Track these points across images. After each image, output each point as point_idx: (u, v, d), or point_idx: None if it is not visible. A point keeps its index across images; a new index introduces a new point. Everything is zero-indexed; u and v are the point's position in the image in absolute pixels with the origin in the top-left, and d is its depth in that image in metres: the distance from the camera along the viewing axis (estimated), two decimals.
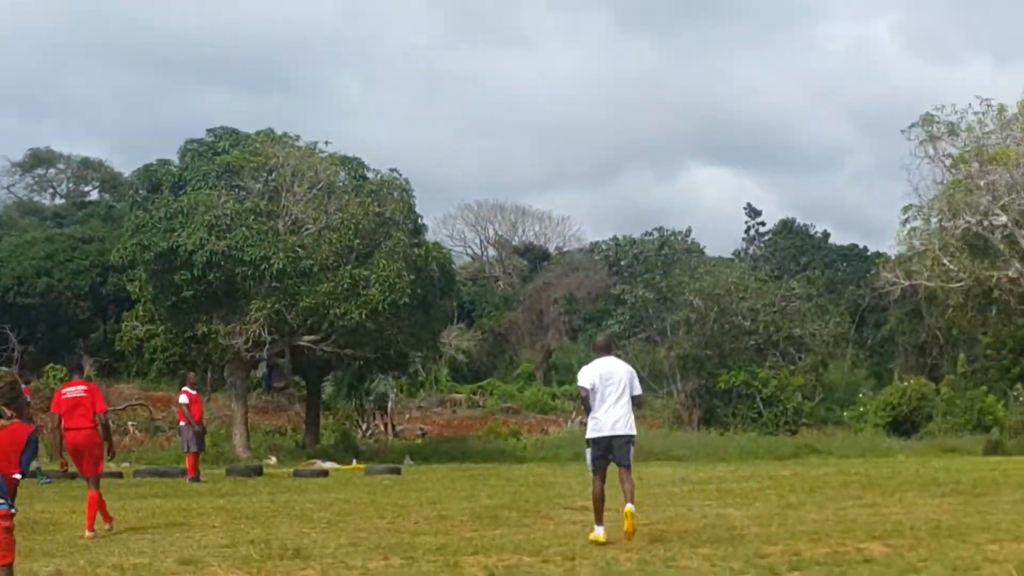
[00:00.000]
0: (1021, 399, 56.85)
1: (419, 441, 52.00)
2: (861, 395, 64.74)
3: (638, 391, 15.94)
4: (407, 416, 60.76)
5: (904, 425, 54.83)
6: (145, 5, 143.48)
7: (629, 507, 15.19)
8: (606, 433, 15.60)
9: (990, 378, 62.95)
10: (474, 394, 69.26)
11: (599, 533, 15.30)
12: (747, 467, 32.61)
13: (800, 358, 60.92)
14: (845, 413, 61.99)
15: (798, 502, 19.68)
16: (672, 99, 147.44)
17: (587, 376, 15.80)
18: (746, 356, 59.47)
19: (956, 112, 46.37)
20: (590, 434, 15.82)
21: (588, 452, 16.00)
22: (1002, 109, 45.97)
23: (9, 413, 10.47)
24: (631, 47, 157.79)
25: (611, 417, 15.59)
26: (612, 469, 15.62)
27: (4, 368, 38.98)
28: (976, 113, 46.30)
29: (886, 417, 55.75)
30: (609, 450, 15.69)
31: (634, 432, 15.80)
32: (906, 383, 59.88)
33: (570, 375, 73.61)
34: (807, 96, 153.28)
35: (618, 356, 17.04)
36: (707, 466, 34.26)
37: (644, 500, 20.82)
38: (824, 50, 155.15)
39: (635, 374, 16.21)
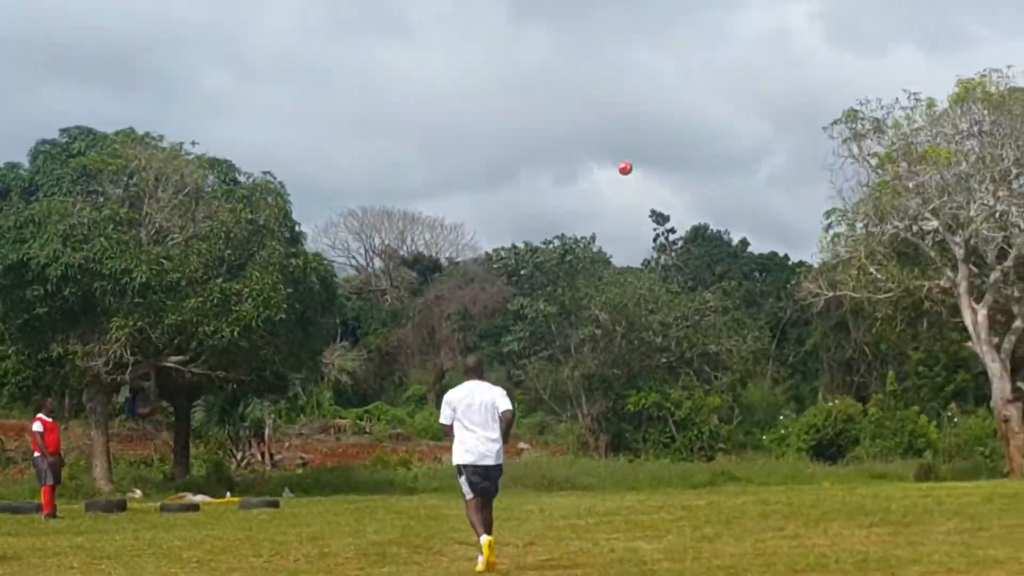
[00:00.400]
0: (955, 420, 57.61)
1: (299, 471, 51.96)
2: (782, 417, 65.41)
3: (506, 407, 16.16)
4: (286, 444, 60.60)
5: (829, 449, 55.47)
6: None
7: (489, 538, 15.55)
8: (474, 462, 15.94)
9: (922, 397, 63.79)
10: (360, 419, 69.23)
11: (483, 541, 15.58)
12: (659, 496, 32.77)
13: (716, 377, 61.37)
14: (765, 437, 62.61)
15: (714, 534, 19.80)
16: (571, 94, 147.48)
17: (446, 405, 16.28)
18: (657, 375, 59.84)
19: (882, 107, 46.74)
20: (461, 459, 16.01)
21: (463, 479, 16.06)
22: (931, 104, 46.47)
23: None
24: (526, 38, 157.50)
25: (477, 445, 15.97)
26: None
27: None
28: (904, 108, 46.72)
29: (810, 441, 56.38)
30: (483, 476, 15.97)
31: (502, 462, 16.23)
32: (831, 403, 60.59)
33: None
34: (719, 90, 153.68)
35: (482, 375, 17.13)
36: (615, 496, 34.39)
37: (546, 533, 20.99)
38: (737, 40, 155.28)
39: (504, 392, 16.55)
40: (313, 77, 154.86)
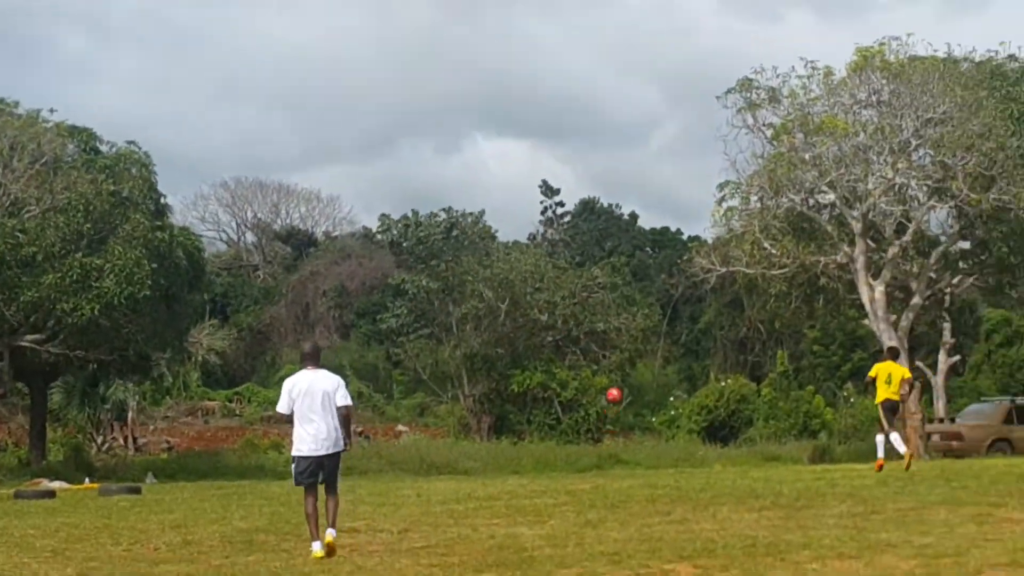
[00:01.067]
0: (851, 400, 58.19)
1: (164, 456, 51.63)
2: (673, 398, 65.82)
3: (344, 402, 16.79)
4: (151, 427, 60.27)
5: (721, 431, 55.87)
6: None
7: (330, 534, 16.23)
8: (311, 453, 16.56)
9: (817, 377, 64.50)
10: (230, 401, 69.06)
11: (316, 549, 16.13)
12: (543, 480, 32.83)
13: (604, 356, 61.56)
14: (655, 418, 63.01)
15: (598, 519, 19.85)
16: (453, 62, 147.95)
17: (285, 395, 16.76)
18: (543, 355, 59.93)
19: (778, 76, 46.94)
20: (299, 450, 16.68)
21: (293, 467, 16.92)
22: (829, 72, 46.72)
23: None
24: (404, 3, 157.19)
25: (318, 434, 16.56)
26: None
27: None
28: (800, 77, 46.96)
29: (701, 422, 56.75)
30: (320, 468, 16.59)
31: (341, 448, 16.82)
32: (724, 383, 60.95)
33: (342, 378, 73.41)
34: (606, 59, 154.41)
35: (321, 364, 17.71)
36: (497, 480, 34.43)
37: (423, 519, 20.98)
38: (625, 5, 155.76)
39: (342, 383, 17.15)
40: (179, 41, 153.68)
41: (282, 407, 16.85)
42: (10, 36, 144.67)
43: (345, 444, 16.89)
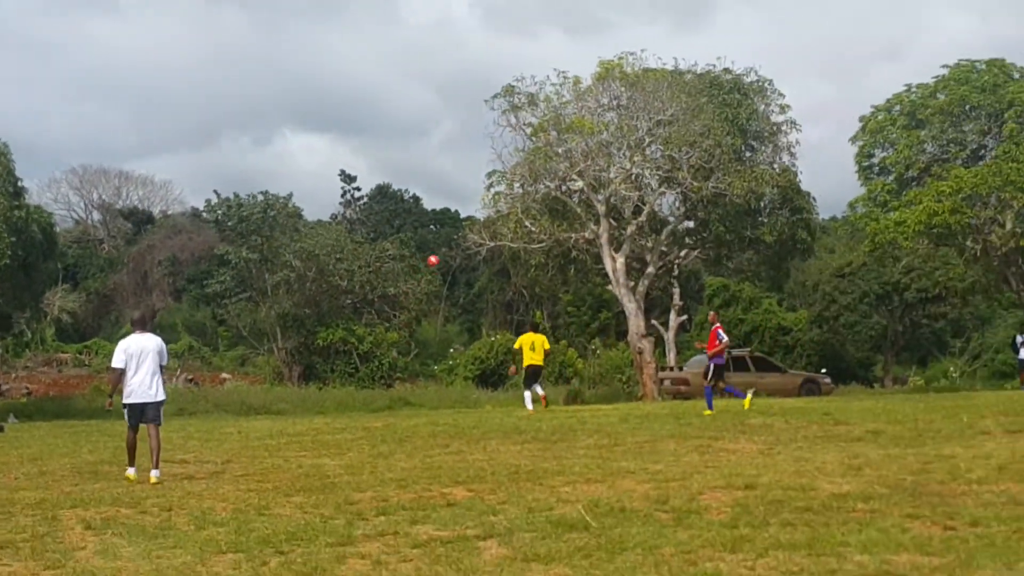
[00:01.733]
0: (598, 352, 58.77)
1: (23, 400, 50.45)
2: (452, 350, 65.93)
3: (165, 361, 18.00)
4: (13, 376, 59.04)
5: (492, 378, 56.00)
6: None
7: (154, 475, 17.02)
8: (138, 400, 17.44)
9: (571, 333, 64.99)
10: (80, 354, 68.12)
11: (130, 473, 17.29)
12: (343, 419, 32.61)
13: (395, 316, 61.46)
14: (437, 367, 63.00)
15: (388, 451, 19.80)
16: (264, 67, 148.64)
17: (121, 351, 17.65)
18: (344, 314, 59.74)
19: (536, 83, 47.10)
20: (125, 400, 17.55)
21: (125, 412, 17.65)
22: (577, 81, 47.06)
23: None
24: (221, 17, 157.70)
25: (142, 385, 17.46)
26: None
27: None
28: (554, 85, 47.20)
29: (475, 370, 56.84)
30: (143, 412, 17.45)
31: (162, 398, 17.77)
32: (494, 338, 61.10)
33: (174, 334, 72.85)
34: (393, 66, 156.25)
35: (152, 330, 19.05)
36: (305, 419, 34.16)
37: (242, 452, 20.76)
38: (406, 23, 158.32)
39: (164, 346, 18.15)
40: (30, 48, 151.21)
41: (117, 363, 17.63)
42: None
43: (162, 395, 17.72)
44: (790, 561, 9.06)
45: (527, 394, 32.05)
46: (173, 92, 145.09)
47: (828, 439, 18.59)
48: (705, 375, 29.21)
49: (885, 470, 13.98)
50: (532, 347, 32.13)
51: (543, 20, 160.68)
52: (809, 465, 14.89)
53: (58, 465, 19.78)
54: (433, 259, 32.51)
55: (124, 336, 19.39)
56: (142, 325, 18.43)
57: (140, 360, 17.52)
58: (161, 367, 17.85)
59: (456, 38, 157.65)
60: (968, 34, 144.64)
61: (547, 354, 34.21)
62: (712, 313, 33.93)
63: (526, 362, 31.89)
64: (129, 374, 17.48)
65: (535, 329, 34.07)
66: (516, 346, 33.46)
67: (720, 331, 29.15)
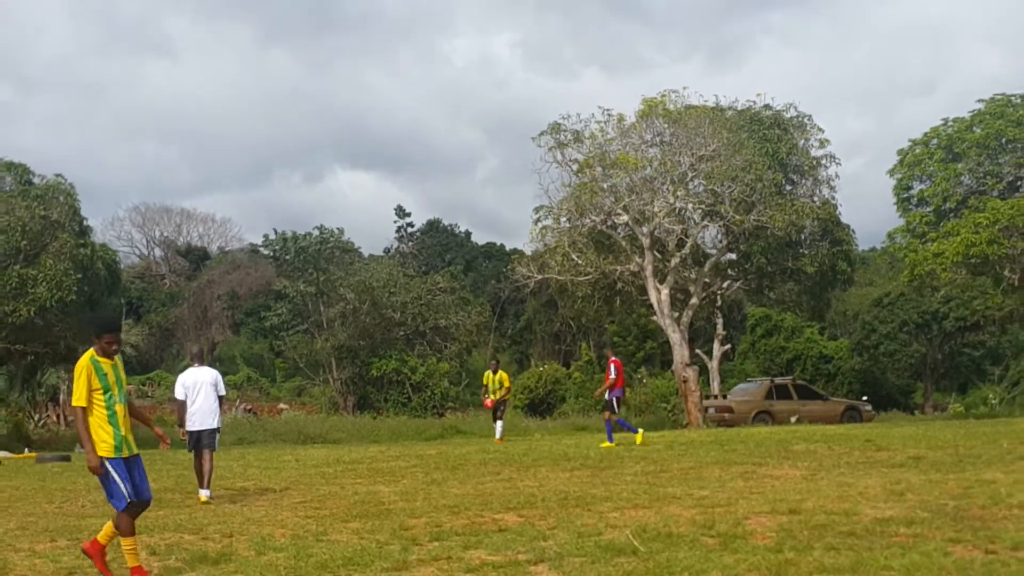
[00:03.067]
0: (644, 381, 58.58)
1: None
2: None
3: (222, 392, 19.15)
4: None
5: (541, 406, 55.99)
6: None
7: (204, 494, 18.28)
8: (195, 428, 18.77)
9: None
10: (143, 384, 68.43)
11: (203, 495, 18.24)
12: (397, 448, 32.69)
13: (446, 346, 61.56)
14: (487, 396, 62.98)
15: (441, 478, 19.82)
16: (312, 108, 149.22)
17: (180, 385, 19.13)
18: (397, 346, 59.81)
19: (581, 121, 47.21)
20: (190, 426, 18.83)
21: (188, 440, 18.99)
22: (621, 118, 47.07)
23: None
24: (269, 58, 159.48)
25: (199, 413, 18.77)
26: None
27: None
28: (599, 122, 47.24)
29: (524, 399, 56.76)
30: (199, 439, 18.73)
31: (216, 425, 19.04)
32: (542, 368, 61.11)
33: (233, 366, 73.26)
34: (438, 105, 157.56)
35: (203, 361, 19.89)
36: (360, 447, 34.23)
37: (299, 480, 20.79)
38: (450, 64, 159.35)
39: (219, 377, 19.38)
40: (88, 90, 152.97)
41: (178, 395, 19.06)
42: None
43: (216, 423, 18.97)
44: None
45: (497, 424, 34.86)
46: (226, 132, 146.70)
47: (870, 465, 18.49)
48: (606, 408, 29.79)
49: (927, 495, 13.89)
50: (499, 384, 34.63)
51: (581, 59, 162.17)
52: (852, 490, 14.81)
53: None
54: (488, 403, 34.62)
55: (185, 368, 20.05)
56: (200, 359, 19.58)
57: (196, 391, 18.81)
58: (219, 397, 19.01)
59: (498, 78, 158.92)
60: (1000, 68, 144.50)
61: (507, 391, 35.99)
62: (608, 350, 35.00)
63: (492, 397, 34.57)
64: (188, 404, 18.75)
65: (497, 366, 36.07)
66: (484, 381, 35.36)
67: (612, 366, 29.63)
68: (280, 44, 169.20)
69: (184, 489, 20.12)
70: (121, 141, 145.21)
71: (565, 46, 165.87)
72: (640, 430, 29.05)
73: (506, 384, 34.98)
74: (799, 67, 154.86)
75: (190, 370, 19.23)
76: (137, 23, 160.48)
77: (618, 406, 29.84)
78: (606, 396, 29.65)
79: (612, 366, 29.56)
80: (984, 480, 15.16)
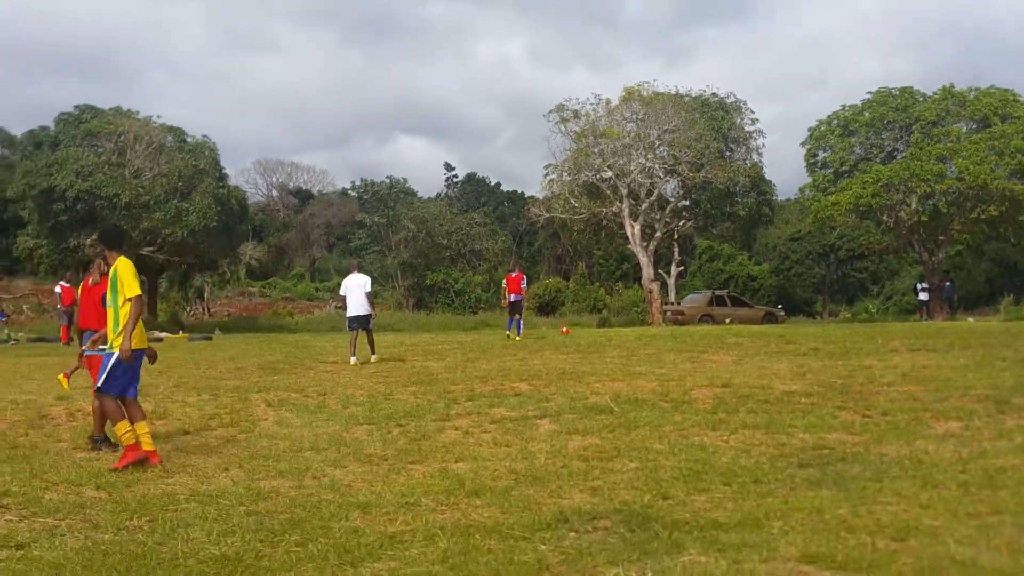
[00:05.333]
0: (620, 292, 58.59)
1: (226, 319, 51.18)
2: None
3: (369, 289, 19.89)
4: (217, 302, 59.86)
5: (547, 308, 55.94)
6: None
7: (373, 357, 19.76)
8: (354, 314, 19.72)
9: (602, 278, 64.77)
10: (263, 288, 68.52)
11: (353, 360, 19.27)
12: (443, 336, 32.77)
13: (479, 264, 61.53)
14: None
15: (475, 357, 19.88)
16: (378, 91, 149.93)
17: (343, 286, 20.16)
18: (444, 263, 59.82)
19: (579, 103, 47.38)
20: (349, 314, 19.89)
21: (347, 322, 20.13)
22: (608, 102, 47.09)
23: None
24: (348, 53, 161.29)
25: (355, 305, 19.64)
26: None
27: None
28: (592, 104, 47.31)
29: (535, 303, 56.81)
30: (357, 322, 19.67)
31: (370, 312, 19.90)
32: (548, 281, 61.08)
33: (329, 275, 73.32)
34: (469, 90, 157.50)
35: (361, 270, 21.09)
36: (416, 335, 34.33)
37: (377, 360, 20.82)
38: (477, 60, 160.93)
39: (369, 280, 20.16)
40: (219, 77, 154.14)
41: (342, 291, 20.20)
42: (118, 74, 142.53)
43: (371, 311, 19.98)
44: (753, 437, 9.05)
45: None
46: (318, 108, 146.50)
47: (781, 353, 18.50)
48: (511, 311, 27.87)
49: (822, 375, 13.91)
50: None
51: (571, 58, 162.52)
52: (768, 371, 14.84)
53: (249, 363, 19.99)
54: (566, 329, 32.12)
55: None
56: (357, 268, 20.74)
57: (351, 289, 19.73)
58: (367, 294, 19.73)
59: (511, 71, 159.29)
60: (876, 70, 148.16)
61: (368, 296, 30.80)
62: (518, 267, 31.17)
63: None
64: (348, 299, 19.71)
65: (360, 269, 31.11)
66: (503, 285, 29.65)
67: (510, 279, 27.95)
68: (355, 44, 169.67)
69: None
70: (242, 115, 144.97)
71: (559, 48, 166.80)
72: (512, 332, 27.48)
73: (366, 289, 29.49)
74: (730, 66, 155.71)
75: (350, 275, 20.14)
76: (252, 27, 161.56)
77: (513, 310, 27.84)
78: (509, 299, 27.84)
79: (510, 279, 27.84)
80: (864, 366, 15.17)
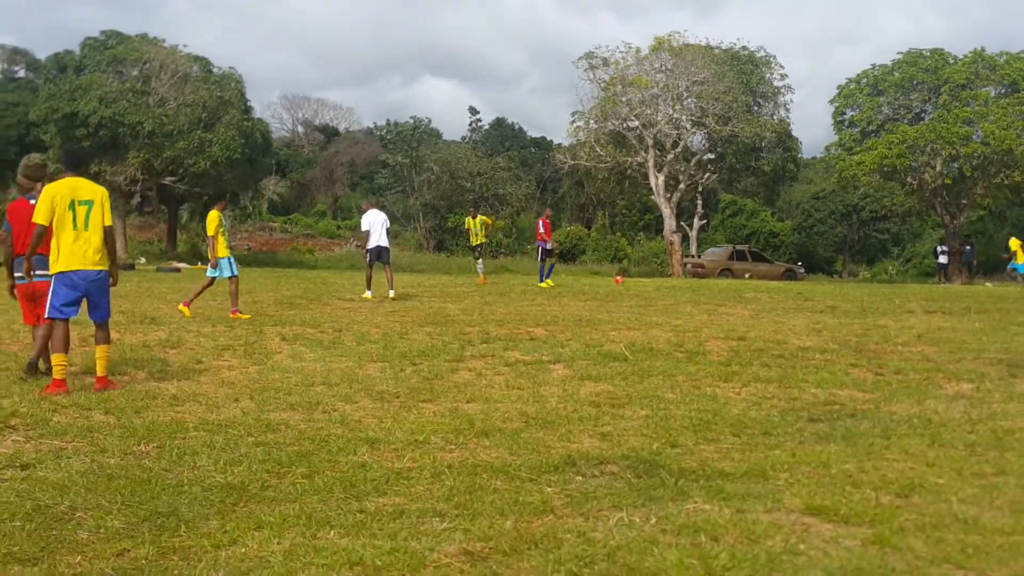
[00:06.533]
0: (642, 242, 58.46)
1: (246, 252, 51.32)
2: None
3: (388, 226, 20.45)
4: (238, 235, 59.86)
5: (568, 255, 55.87)
6: None
7: (391, 293, 20.09)
8: (373, 245, 20.03)
9: (624, 228, 64.54)
10: (285, 223, 68.60)
11: (367, 294, 20.03)
12: (462, 279, 32.81)
13: (502, 209, 61.33)
14: (529, 247, 62.87)
15: (492, 301, 19.89)
16: (407, 32, 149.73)
17: (365, 221, 20.39)
18: (466, 206, 59.60)
19: (608, 51, 47.18)
20: (369, 246, 20.09)
21: (368, 255, 20.14)
22: (638, 51, 46.89)
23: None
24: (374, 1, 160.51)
25: (376, 238, 20.04)
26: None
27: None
28: (622, 52, 47.09)
29: (557, 250, 56.75)
30: (379, 255, 20.01)
31: (388, 246, 20.32)
32: (570, 228, 60.95)
33: (351, 213, 73.29)
34: (495, 35, 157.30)
35: (381, 208, 22.34)
36: (436, 276, 34.42)
37: (396, 297, 20.87)
38: (505, 3, 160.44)
39: (387, 218, 20.63)
40: (246, 12, 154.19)
41: (364, 226, 20.45)
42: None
43: (387, 244, 20.32)
44: (765, 390, 9.02)
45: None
46: (346, 45, 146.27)
47: (798, 310, 18.43)
48: (540, 257, 26.81)
49: (837, 333, 13.84)
50: (479, 225, 28.23)
51: (600, 4, 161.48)
52: (784, 327, 14.78)
53: (266, 297, 20.07)
54: (619, 279, 31.41)
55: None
56: (375, 205, 21.45)
57: (374, 224, 20.11)
58: (387, 229, 20.29)
59: (538, 16, 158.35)
60: (904, 31, 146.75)
61: (489, 227, 29.60)
62: (548, 211, 28.83)
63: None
64: (372, 233, 20.04)
65: (474, 216, 28.93)
66: (467, 226, 28.91)
67: (541, 224, 26.63)
68: None
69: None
70: (269, 50, 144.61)
71: None
72: (547, 280, 26.50)
73: (488, 222, 28.35)
74: (760, 20, 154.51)
75: (372, 211, 20.52)
76: None
77: (545, 255, 26.87)
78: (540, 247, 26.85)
79: (540, 223, 26.70)
80: (879, 325, 15.09)
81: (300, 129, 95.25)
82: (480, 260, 29.32)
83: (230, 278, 15.97)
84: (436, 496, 5.29)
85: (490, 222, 28.49)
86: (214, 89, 43.37)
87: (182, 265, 36.12)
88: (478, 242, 28.52)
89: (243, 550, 4.45)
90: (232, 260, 16.18)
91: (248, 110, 47.06)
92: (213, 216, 16.03)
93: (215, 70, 46.15)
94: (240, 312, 15.62)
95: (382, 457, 6.23)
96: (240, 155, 42.53)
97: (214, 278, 16.21)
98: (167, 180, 42.84)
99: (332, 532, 4.68)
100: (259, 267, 39.11)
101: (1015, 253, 35.97)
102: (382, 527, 4.75)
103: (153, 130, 40.55)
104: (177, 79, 42.82)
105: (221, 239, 15.98)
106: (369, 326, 14.22)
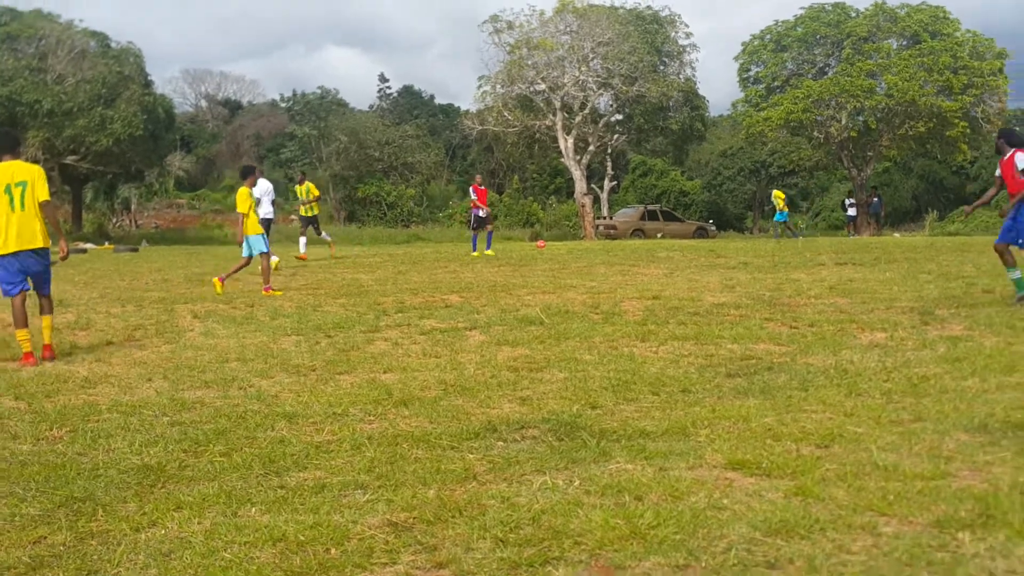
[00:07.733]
0: (554, 206, 58.66)
1: (153, 230, 50.53)
2: (451, 203, 65.47)
3: (273, 196, 21.35)
4: (145, 214, 59.00)
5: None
6: None
7: (276, 259, 19.32)
8: (266, 216, 19.92)
9: (535, 192, 64.68)
10: (192, 200, 67.52)
11: (275, 259, 18.85)
12: (374, 248, 32.63)
13: (412, 177, 61.06)
14: (440, 214, 62.73)
15: (405, 270, 19.79)
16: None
17: (256, 190, 17.72)
18: (376, 175, 59.25)
19: (513, 14, 47.47)
20: (262, 216, 18.60)
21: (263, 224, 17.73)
22: (542, 13, 46.98)
23: None
24: None
25: (267, 210, 20.34)
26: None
27: None
28: (526, 15, 47.28)
29: (467, 217, 56.64)
30: (267, 224, 19.44)
31: (271, 217, 21.06)
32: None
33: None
34: (403, 1, 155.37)
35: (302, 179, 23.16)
36: (348, 248, 34.11)
37: (302, 270, 20.64)
38: None
39: (271, 187, 21.21)
40: None
41: (257, 195, 18.40)
42: None
43: (271, 217, 20.60)
44: (682, 348, 9.09)
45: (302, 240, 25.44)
46: (248, 12, 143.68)
47: (711, 267, 18.63)
48: (474, 225, 26.35)
49: (751, 288, 14.02)
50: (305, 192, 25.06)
51: None
52: (698, 284, 14.93)
53: (176, 275, 19.74)
54: (541, 243, 31.01)
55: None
56: (252, 172, 16.49)
57: (264, 195, 20.46)
58: (272, 200, 21.18)
59: None
60: None
61: (316, 198, 25.64)
62: (478, 177, 29.62)
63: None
64: (263, 202, 20.02)
65: (301, 181, 25.60)
66: (298, 194, 25.71)
67: (473, 191, 26.38)
68: None
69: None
70: (166, 21, 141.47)
71: None
72: (480, 249, 25.88)
73: (314, 192, 24.87)
74: None
75: (261, 180, 20.50)
76: None
77: (479, 223, 26.40)
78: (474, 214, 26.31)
79: (472, 190, 26.43)
80: (792, 279, 15.32)
81: (204, 103, 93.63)
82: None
83: (262, 255, 15.53)
84: (357, 468, 5.23)
85: (317, 192, 25.34)
86: (113, 64, 42.64)
87: (88, 246, 35.29)
88: (311, 214, 25.10)
89: (163, 531, 4.35)
90: (265, 237, 15.74)
91: (149, 85, 46.36)
92: (244, 193, 15.43)
93: (113, 44, 45.31)
94: (273, 289, 15.24)
95: (301, 431, 6.15)
96: (143, 131, 42.01)
97: (251, 257, 15.67)
98: (69, 159, 41.95)
99: (253, 509, 4.60)
100: (168, 245, 38.49)
101: (780, 205, 36.26)
102: (304, 502, 4.68)
103: (52, 108, 39.80)
104: (75, 55, 42.01)
105: (253, 215, 15.52)
106: (281, 300, 14.04)
